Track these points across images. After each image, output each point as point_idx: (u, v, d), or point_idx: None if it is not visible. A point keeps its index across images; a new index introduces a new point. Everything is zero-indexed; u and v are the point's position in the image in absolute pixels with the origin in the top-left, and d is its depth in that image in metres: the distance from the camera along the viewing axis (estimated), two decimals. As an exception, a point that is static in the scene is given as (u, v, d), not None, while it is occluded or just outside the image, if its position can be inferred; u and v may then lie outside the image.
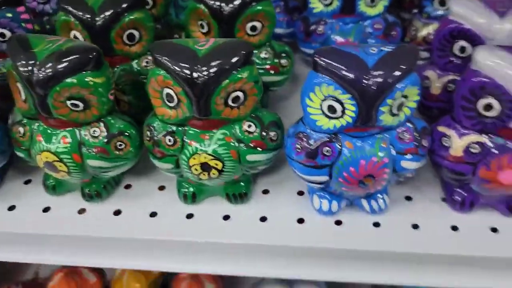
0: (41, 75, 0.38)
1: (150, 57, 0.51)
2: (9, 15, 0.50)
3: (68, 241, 0.45)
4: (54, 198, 0.49)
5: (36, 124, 0.43)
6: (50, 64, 0.38)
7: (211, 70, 0.38)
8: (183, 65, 0.38)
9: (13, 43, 0.41)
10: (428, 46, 0.56)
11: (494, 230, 0.45)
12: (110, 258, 0.46)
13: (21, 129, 0.43)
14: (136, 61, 0.51)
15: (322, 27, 0.59)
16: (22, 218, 0.47)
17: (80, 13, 0.46)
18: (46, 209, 0.47)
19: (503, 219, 0.45)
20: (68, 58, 0.39)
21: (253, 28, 0.51)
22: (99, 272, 0.71)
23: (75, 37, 0.48)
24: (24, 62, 0.39)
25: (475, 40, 0.45)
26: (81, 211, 0.47)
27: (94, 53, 0.40)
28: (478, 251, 0.43)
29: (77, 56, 0.39)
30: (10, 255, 0.48)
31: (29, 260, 0.48)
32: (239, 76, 0.39)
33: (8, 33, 0.50)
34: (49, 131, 0.42)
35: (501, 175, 0.41)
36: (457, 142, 0.42)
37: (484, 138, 0.41)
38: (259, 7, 0.49)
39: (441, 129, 0.43)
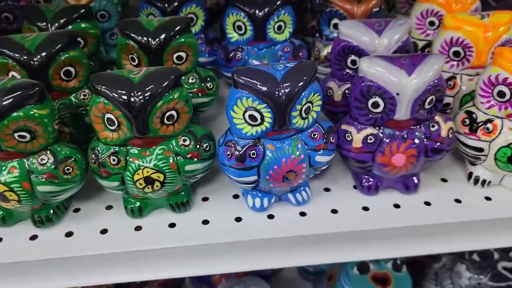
0: (-12, 112, 0.42)
1: (87, 91, 0.56)
2: None
3: (22, 268, 0.48)
4: (4, 229, 0.51)
5: (-16, 158, 0.46)
6: (-3, 101, 0.42)
7: (146, 94, 0.44)
8: (121, 92, 0.43)
9: (-43, 85, 0.44)
10: (329, 62, 0.66)
11: (396, 206, 0.54)
12: (67, 278, 0.49)
13: (-31, 164, 0.46)
14: (74, 94, 0.55)
15: (240, 53, 0.68)
16: (-27, 251, 0.48)
17: (18, 55, 0.50)
18: (-3, 240, 0.50)
19: (403, 197, 0.55)
20: (13, 94, 0.42)
21: (179, 58, 0.58)
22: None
23: (13, 77, 0.51)
24: (-30, 101, 0.42)
25: (362, 53, 0.55)
26: (33, 237, 0.50)
27: (37, 88, 0.44)
28: (386, 224, 0.51)
29: (22, 91, 0.43)
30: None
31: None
32: (171, 97, 0.45)
33: None
34: (-3, 163, 0.46)
35: (393, 159, 0.50)
36: (357, 136, 0.51)
37: (376, 130, 0.50)
38: (183, 39, 0.56)
39: (344, 127, 0.52)
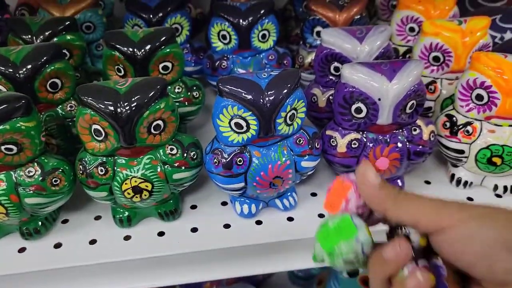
0: (-25, 126, 0.42)
1: (73, 102, 0.56)
2: None
3: (12, 281, 0.48)
4: (-9, 242, 0.51)
5: (-30, 172, 0.46)
6: (-18, 115, 0.42)
7: (132, 105, 0.44)
8: (107, 103, 0.44)
9: None
10: (313, 69, 0.67)
11: (382, 208, 0.55)
12: (56, 289, 0.49)
13: (-45, 179, 0.46)
14: (61, 106, 0.56)
15: (225, 62, 0.69)
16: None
17: (3, 68, 0.50)
18: (-15, 254, 0.49)
19: (388, 199, 0.56)
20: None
21: (165, 68, 0.58)
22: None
23: (-2, 90, 0.51)
24: (-45, 115, 0.42)
25: (344, 60, 0.57)
26: (22, 250, 0.50)
27: (23, 101, 0.44)
28: (371, 228, 0.52)
29: (8, 104, 0.43)
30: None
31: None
32: (157, 107, 0.46)
33: None
34: (-16, 177, 0.46)
35: (377, 163, 0.52)
36: (341, 141, 0.52)
37: (360, 135, 0.52)
38: (168, 50, 0.57)
39: (328, 132, 0.53)
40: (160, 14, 0.68)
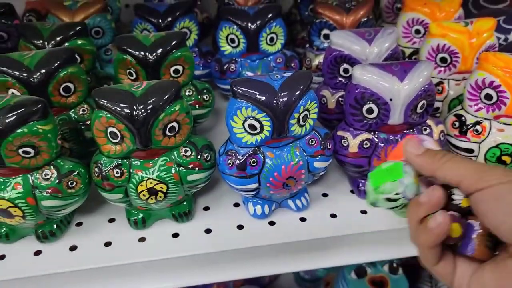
0: (-7, 129, 0.42)
1: (85, 106, 0.57)
2: None
3: (28, 283, 0.48)
4: (8, 245, 0.51)
5: (-13, 175, 0.46)
6: (1, 118, 0.42)
7: (148, 107, 0.45)
8: (123, 105, 0.44)
9: (-40, 103, 0.44)
10: (321, 72, 0.68)
11: (393, 208, 0.56)
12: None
13: (-28, 183, 0.46)
14: (73, 110, 0.56)
15: (234, 65, 0.69)
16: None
17: (17, 73, 0.51)
18: (1, 257, 0.50)
19: (399, 199, 0.57)
20: (17, 111, 0.43)
21: (176, 71, 0.59)
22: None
23: (13, 94, 0.52)
24: (-26, 119, 0.43)
25: (354, 62, 0.57)
26: (37, 252, 0.50)
27: (40, 104, 0.44)
28: (385, 226, 0.53)
29: (25, 108, 0.43)
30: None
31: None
32: (172, 109, 0.46)
33: None
34: (1, 180, 0.46)
35: (389, 162, 0.52)
36: (353, 141, 0.52)
37: (371, 135, 0.52)
38: (179, 53, 0.58)
39: (340, 133, 0.54)
40: (169, 19, 0.69)
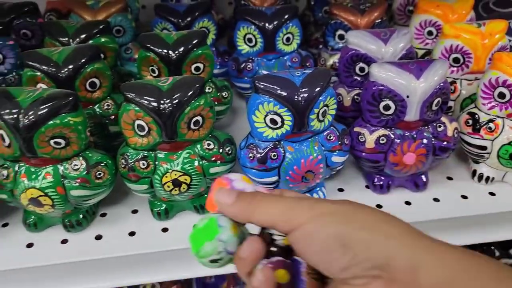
0: (27, 120, 0.44)
1: (110, 101, 0.59)
2: (-25, 76, 0.54)
3: (56, 270, 0.50)
4: (36, 234, 0.53)
5: (18, 165, 0.48)
6: (35, 109, 0.44)
7: (175, 101, 0.47)
8: (151, 99, 0.46)
9: (-5, 95, 0.46)
10: (335, 71, 0.70)
11: (408, 203, 0.57)
12: (100, 280, 0.51)
13: (5, 172, 0.48)
14: (98, 105, 0.58)
15: (251, 64, 0.71)
16: (7, 255, 0.50)
17: (46, 68, 0.53)
18: (29, 245, 0.51)
19: (413, 194, 0.58)
20: (50, 103, 0.45)
21: (197, 69, 0.61)
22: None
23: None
24: (9, 110, 0.44)
25: (370, 61, 0.59)
26: (64, 241, 0.52)
27: (71, 97, 0.46)
28: (399, 220, 0.54)
29: (57, 100, 0.45)
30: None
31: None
32: (197, 103, 0.48)
33: (-27, 92, 0.54)
34: (32, 170, 0.48)
35: (405, 158, 0.54)
36: (370, 137, 0.54)
37: (388, 131, 0.54)
38: (200, 51, 0.60)
39: (357, 129, 0.55)
40: (189, 19, 0.71)
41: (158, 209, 0.54)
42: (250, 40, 0.70)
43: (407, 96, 0.50)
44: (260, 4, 0.80)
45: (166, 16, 0.71)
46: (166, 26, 0.72)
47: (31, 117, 0.44)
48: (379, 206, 0.56)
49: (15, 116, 0.44)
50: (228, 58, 0.76)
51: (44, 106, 0.45)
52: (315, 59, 0.76)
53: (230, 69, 0.73)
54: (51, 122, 0.45)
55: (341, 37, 0.72)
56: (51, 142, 0.46)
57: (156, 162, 0.50)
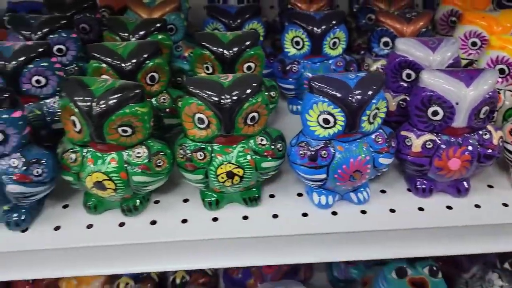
0: (99, 108, 0.47)
1: (166, 95, 0.62)
2: (45, 64, 0.57)
3: (113, 251, 0.53)
4: (95, 216, 0.56)
5: (86, 150, 0.51)
6: (107, 98, 0.47)
7: (235, 97, 0.49)
8: (213, 94, 0.49)
9: (70, 83, 0.49)
10: (380, 76, 0.71)
11: (449, 207, 0.59)
12: (156, 263, 0.54)
13: (73, 156, 0.51)
14: (155, 98, 0.61)
15: (296, 67, 0.74)
16: (69, 234, 0.53)
17: (111, 60, 0.56)
18: (89, 226, 0.55)
19: (454, 199, 0.60)
20: (121, 94, 0.48)
21: (249, 68, 0.63)
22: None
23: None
24: (83, 98, 0.48)
25: (417, 68, 0.61)
26: (121, 224, 0.55)
27: (140, 89, 0.50)
28: (441, 223, 0.56)
29: (128, 91, 0.49)
30: (58, 272, 0.54)
31: (79, 274, 0.54)
32: (255, 100, 0.51)
33: (43, 80, 0.58)
34: (99, 155, 0.51)
35: (450, 163, 0.55)
36: (416, 141, 0.56)
37: (434, 137, 0.55)
38: (252, 51, 0.62)
39: (403, 133, 0.57)
40: (239, 20, 0.74)
41: (210, 199, 0.57)
42: (297, 43, 0.72)
43: (457, 103, 0.52)
44: (307, 8, 0.82)
45: (218, 16, 0.74)
46: (217, 26, 0.75)
47: (103, 105, 0.47)
48: (421, 209, 0.58)
49: (88, 103, 0.48)
50: (274, 60, 0.78)
51: (115, 96, 0.48)
52: (358, 64, 0.78)
53: (276, 70, 0.76)
54: (121, 111, 0.48)
55: (386, 44, 0.74)
56: (119, 129, 0.49)
57: (212, 154, 0.52)
